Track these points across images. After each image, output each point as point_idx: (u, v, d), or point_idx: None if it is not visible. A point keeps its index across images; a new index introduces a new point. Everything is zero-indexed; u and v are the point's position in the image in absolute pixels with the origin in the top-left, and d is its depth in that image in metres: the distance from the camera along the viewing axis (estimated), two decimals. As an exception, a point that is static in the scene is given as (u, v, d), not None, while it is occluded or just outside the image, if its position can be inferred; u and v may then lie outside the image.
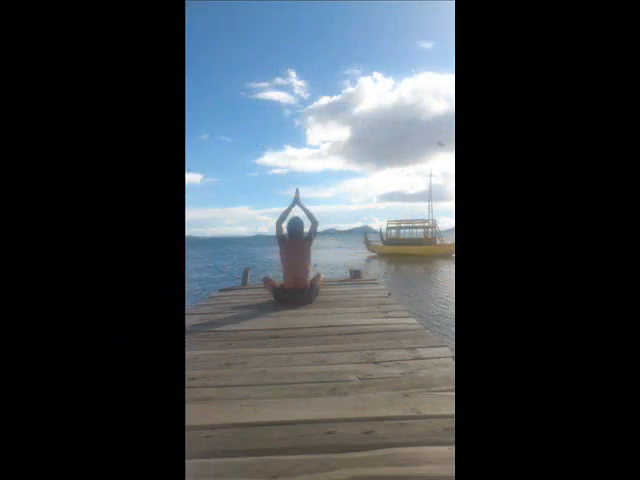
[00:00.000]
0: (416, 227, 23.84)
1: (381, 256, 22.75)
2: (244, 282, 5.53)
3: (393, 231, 24.56)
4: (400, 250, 22.63)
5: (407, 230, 24.22)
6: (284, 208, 4.06)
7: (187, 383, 1.79)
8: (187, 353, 2.26)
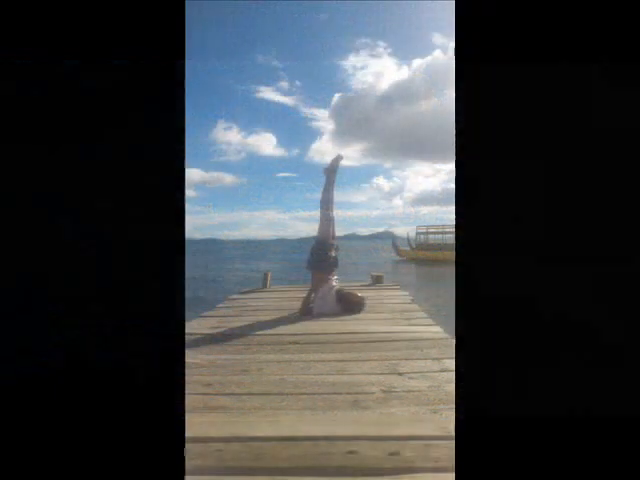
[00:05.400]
0: (447, 232, 22.82)
1: (410, 262, 21.98)
2: (264, 285, 5.46)
3: (422, 236, 23.77)
4: (431, 256, 21.70)
5: (439, 236, 23.26)
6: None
7: (202, 389, 1.73)
8: (204, 357, 2.20)
